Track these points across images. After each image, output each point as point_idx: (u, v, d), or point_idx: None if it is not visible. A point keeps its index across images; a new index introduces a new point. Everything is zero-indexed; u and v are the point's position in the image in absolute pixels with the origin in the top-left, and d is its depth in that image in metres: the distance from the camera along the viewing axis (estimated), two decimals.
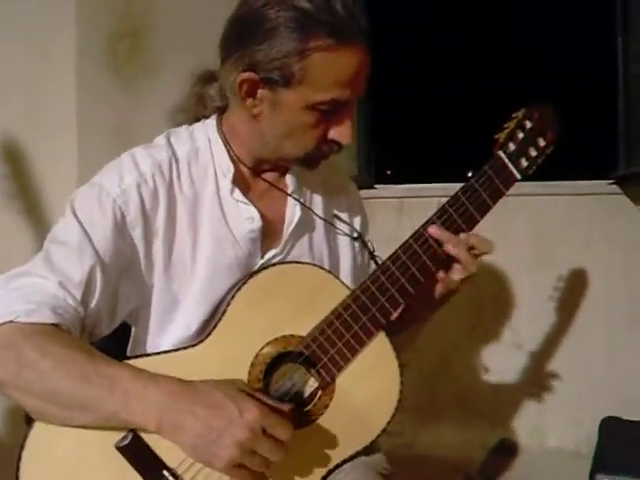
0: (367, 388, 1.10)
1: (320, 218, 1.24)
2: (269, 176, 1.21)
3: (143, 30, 2.28)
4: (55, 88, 2.11)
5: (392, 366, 1.12)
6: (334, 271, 1.19)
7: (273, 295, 1.08)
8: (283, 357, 1.07)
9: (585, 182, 2.75)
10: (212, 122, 1.19)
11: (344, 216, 1.30)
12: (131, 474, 0.96)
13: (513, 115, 1.24)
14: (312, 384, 1.10)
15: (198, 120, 1.22)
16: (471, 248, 1.14)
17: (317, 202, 1.26)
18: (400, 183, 3.04)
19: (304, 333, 1.08)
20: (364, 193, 2.66)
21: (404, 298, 1.12)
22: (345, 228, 1.29)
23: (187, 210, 1.12)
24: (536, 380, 2.61)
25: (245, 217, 1.15)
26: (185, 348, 1.05)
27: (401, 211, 2.76)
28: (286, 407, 1.00)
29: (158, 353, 1.06)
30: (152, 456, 0.97)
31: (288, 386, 1.09)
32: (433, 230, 1.13)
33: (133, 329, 1.17)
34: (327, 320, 1.08)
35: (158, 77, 2.25)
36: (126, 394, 0.93)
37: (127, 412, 0.93)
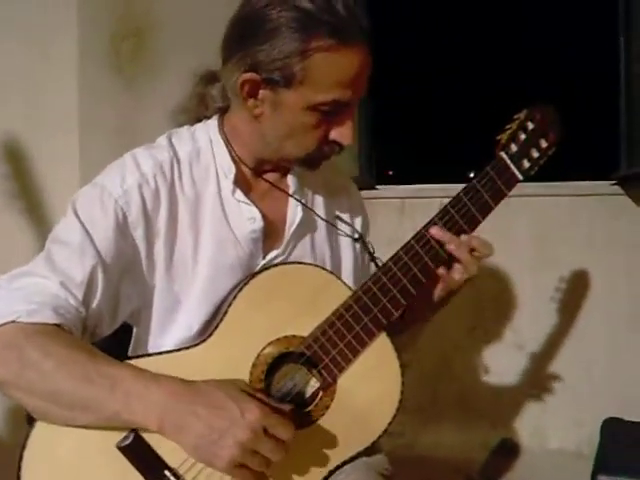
0: (368, 389, 1.10)
1: (321, 219, 1.24)
2: (270, 176, 1.21)
3: (145, 30, 2.28)
4: (56, 88, 2.11)
5: (393, 367, 1.12)
6: (336, 272, 1.19)
7: (275, 295, 1.08)
8: (285, 357, 1.07)
9: (587, 183, 2.75)
10: (214, 122, 1.19)
11: (345, 217, 1.30)
12: (132, 474, 0.96)
13: (515, 116, 1.24)
14: (313, 384, 1.10)
15: (200, 120, 1.22)
16: (472, 250, 1.14)
17: (318, 203, 1.26)
18: (402, 184, 3.04)
19: (306, 334, 1.08)
20: (365, 194, 2.66)
21: (406, 299, 1.12)
22: (346, 229, 1.29)
23: (188, 210, 1.12)
24: (537, 381, 2.61)
25: (247, 217, 1.15)
26: (187, 348, 1.05)
27: (402, 212, 2.76)
28: (286, 407, 1.00)
29: (160, 353, 1.06)
30: (153, 456, 0.97)
31: (289, 386, 1.09)
32: (435, 231, 1.13)
33: (134, 329, 1.17)
34: (329, 321, 1.08)
35: (160, 77, 2.26)
36: (128, 394, 0.93)
37: (129, 412, 0.93)
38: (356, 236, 1.29)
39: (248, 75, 1.06)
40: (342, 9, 1.03)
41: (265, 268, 1.11)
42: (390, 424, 1.11)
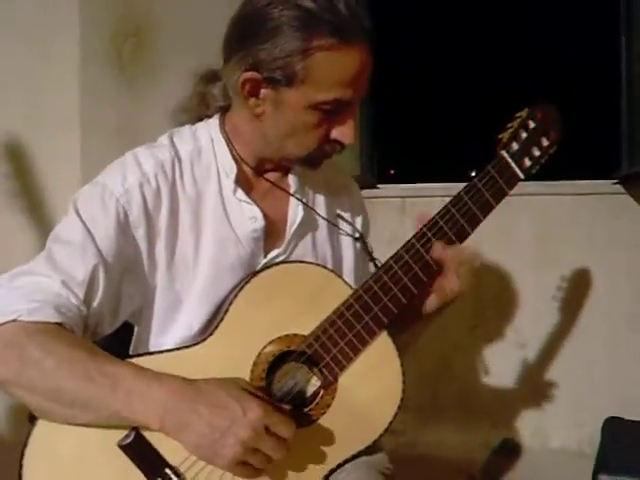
0: (369, 387, 1.10)
1: (323, 218, 1.24)
2: (272, 176, 1.21)
3: (146, 30, 2.28)
4: (57, 88, 2.11)
5: (395, 365, 1.12)
6: (337, 271, 1.19)
7: (276, 294, 1.08)
8: (285, 356, 1.07)
9: (588, 182, 2.74)
10: (215, 122, 1.19)
11: (346, 216, 1.30)
12: (134, 472, 0.96)
13: (516, 115, 1.24)
14: (314, 383, 1.10)
15: (201, 120, 1.22)
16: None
17: (320, 202, 1.26)
18: (403, 183, 3.04)
19: (307, 332, 1.08)
20: (367, 193, 2.66)
21: (407, 297, 1.12)
22: (347, 228, 1.29)
23: (190, 210, 1.12)
24: (538, 380, 2.60)
25: (248, 217, 1.15)
26: (187, 347, 1.05)
27: (403, 211, 2.76)
28: (285, 408, 1.00)
29: (161, 352, 1.06)
30: (154, 454, 0.97)
31: (290, 385, 1.09)
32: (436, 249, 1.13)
33: (135, 328, 1.17)
34: (329, 319, 1.08)
35: (161, 77, 2.26)
36: (129, 393, 0.93)
37: (130, 411, 0.93)
38: (357, 235, 1.29)
39: (249, 74, 1.06)
40: (344, 8, 1.03)
41: (266, 267, 1.11)
42: (391, 423, 1.11)
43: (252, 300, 1.07)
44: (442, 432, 2.65)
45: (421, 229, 1.14)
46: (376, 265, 1.20)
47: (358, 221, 1.33)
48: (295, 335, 1.07)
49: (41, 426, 0.96)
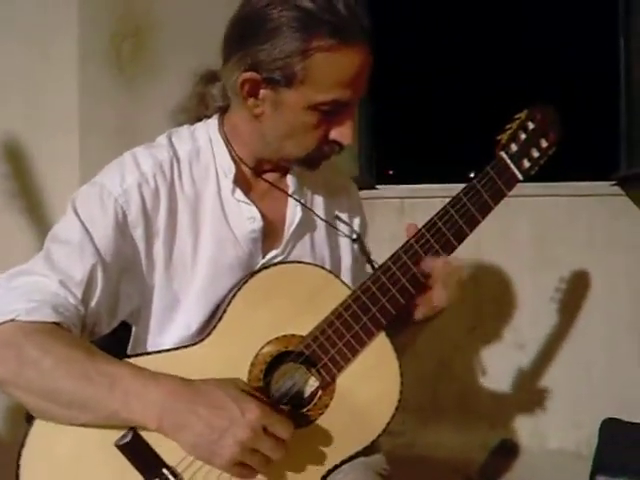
0: (367, 388, 1.10)
1: (321, 219, 1.24)
2: (270, 176, 1.21)
3: (146, 30, 2.28)
4: (56, 88, 2.11)
5: (393, 366, 1.12)
6: (335, 271, 1.19)
7: (274, 295, 1.08)
8: (283, 357, 1.07)
9: (587, 183, 2.75)
10: (214, 122, 1.19)
11: (344, 217, 1.30)
12: (131, 472, 0.96)
13: (515, 116, 1.24)
14: (312, 384, 1.10)
15: (200, 120, 1.22)
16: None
17: (318, 203, 1.26)
18: (402, 183, 3.04)
19: (305, 333, 1.08)
20: (365, 193, 2.67)
21: (405, 299, 1.12)
22: (345, 229, 1.29)
23: (188, 210, 1.12)
24: (537, 381, 2.61)
25: (246, 217, 1.15)
26: (185, 347, 1.05)
27: (402, 211, 2.76)
28: (284, 409, 1.00)
29: (158, 352, 1.06)
30: (152, 454, 0.97)
31: (288, 385, 1.09)
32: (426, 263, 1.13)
33: (133, 328, 1.17)
34: (328, 320, 1.08)
35: (160, 77, 2.26)
36: (126, 393, 0.93)
37: (127, 411, 0.93)
38: (354, 237, 1.29)
39: (248, 74, 1.06)
40: (343, 9, 1.03)
41: (264, 267, 1.11)
42: (389, 424, 1.11)
43: (250, 300, 1.07)
44: (441, 433, 2.65)
45: (420, 230, 1.14)
46: (373, 267, 1.20)
47: (356, 222, 1.33)
48: (293, 336, 1.07)
49: (38, 426, 0.95)
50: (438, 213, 1.16)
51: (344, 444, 1.08)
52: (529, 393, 2.61)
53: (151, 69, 2.28)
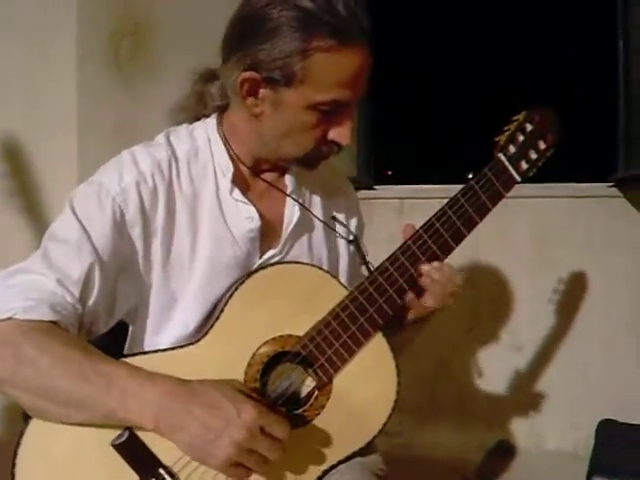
0: (364, 389, 1.10)
1: (318, 219, 1.24)
2: (268, 176, 1.21)
3: (145, 29, 2.28)
4: (55, 88, 2.11)
5: (389, 367, 1.12)
6: (333, 272, 1.19)
7: (271, 295, 1.08)
8: (280, 357, 1.07)
9: (585, 184, 2.75)
10: (212, 121, 1.19)
11: (342, 217, 1.30)
12: (127, 472, 0.96)
13: (514, 118, 1.24)
14: (309, 384, 1.10)
15: (198, 119, 1.22)
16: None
17: (316, 203, 1.26)
18: (400, 184, 3.04)
19: (302, 333, 1.08)
20: (364, 194, 2.67)
21: (402, 299, 1.12)
22: (342, 230, 1.29)
23: (186, 209, 1.12)
24: (534, 382, 2.61)
25: (244, 217, 1.15)
26: (182, 347, 1.05)
27: (401, 212, 2.76)
28: (280, 409, 1.00)
29: (155, 351, 1.06)
30: (148, 454, 0.97)
31: (285, 386, 1.09)
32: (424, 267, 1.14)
33: (130, 327, 1.17)
34: (324, 320, 1.08)
35: (159, 76, 2.26)
36: (124, 392, 0.93)
37: (124, 410, 0.93)
38: (351, 237, 1.29)
39: (248, 74, 1.06)
40: (343, 9, 1.03)
41: (262, 267, 1.11)
42: (385, 424, 1.11)
43: (247, 300, 1.07)
44: (438, 433, 2.65)
45: (417, 231, 1.14)
46: (369, 268, 1.21)
47: (353, 223, 1.33)
48: (290, 336, 1.07)
49: (35, 425, 0.95)
50: (436, 214, 1.16)
51: (341, 444, 1.08)
52: (527, 394, 2.61)
53: (150, 68, 2.27)
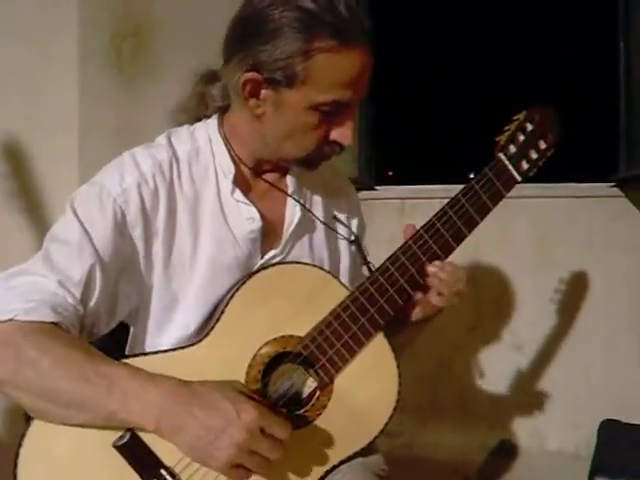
0: (365, 389, 1.10)
1: (319, 220, 1.24)
2: (270, 177, 1.21)
3: (146, 30, 2.28)
4: (56, 88, 2.11)
5: (391, 367, 1.12)
6: (334, 272, 1.19)
7: (272, 295, 1.08)
8: (281, 357, 1.07)
9: (586, 184, 2.74)
10: (213, 122, 1.19)
11: (343, 218, 1.30)
12: (129, 473, 0.96)
13: (514, 117, 1.24)
14: (310, 384, 1.10)
15: (199, 120, 1.22)
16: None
17: (317, 203, 1.26)
18: (401, 184, 3.04)
19: (303, 333, 1.08)
20: (365, 194, 2.67)
21: (403, 299, 1.13)
22: (343, 230, 1.29)
23: (187, 210, 1.12)
24: (536, 382, 2.61)
25: (245, 217, 1.15)
26: (183, 348, 1.05)
27: (402, 212, 2.76)
28: (281, 410, 1.00)
29: (156, 352, 1.06)
30: (150, 455, 0.97)
31: (286, 386, 1.09)
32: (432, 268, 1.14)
33: (132, 328, 1.17)
34: (326, 321, 1.08)
35: (160, 77, 2.25)
36: (125, 394, 0.93)
37: (126, 412, 0.93)
38: (352, 238, 1.29)
39: (250, 75, 1.06)
40: (344, 10, 1.03)
41: (263, 268, 1.11)
42: (387, 424, 1.11)
43: (248, 301, 1.07)
44: (440, 433, 2.65)
45: (418, 231, 1.15)
46: (370, 268, 1.21)
47: (354, 223, 1.33)
48: (291, 336, 1.07)
49: (36, 426, 0.95)
50: (437, 214, 1.16)
51: (342, 445, 1.08)
52: (528, 394, 2.61)
53: (151, 69, 2.27)
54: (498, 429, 2.63)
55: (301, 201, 1.21)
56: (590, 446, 1.91)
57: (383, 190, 3.00)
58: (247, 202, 1.15)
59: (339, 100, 1.06)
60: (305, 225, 1.22)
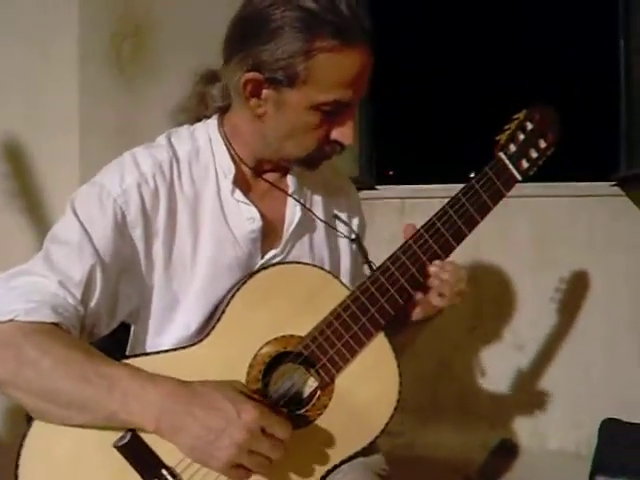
0: (366, 389, 1.10)
1: (320, 220, 1.24)
2: (270, 176, 1.21)
3: (146, 30, 2.28)
4: (56, 88, 2.11)
5: (391, 367, 1.12)
6: (334, 272, 1.19)
7: (273, 295, 1.08)
8: (282, 357, 1.07)
9: (586, 184, 2.74)
10: (213, 122, 1.19)
11: (343, 217, 1.30)
12: (130, 473, 0.96)
13: (514, 116, 1.24)
14: (311, 384, 1.10)
15: (199, 120, 1.22)
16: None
17: (317, 203, 1.26)
18: (402, 184, 3.04)
19: (303, 333, 1.08)
20: (365, 194, 2.67)
21: (403, 299, 1.13)
22: (344, 229, 1.29)
23: (188, 210, 1.12)
24: (537, 381, 2.61)
25: (246, 217, 1.15)
26: (184, 348, 1.05)
27: (402, 212, 2.76)
28: (281, 410, 1.00)
29: (157, 352, 1.06)
30: (151, 455, 0.97)
31: (287, 386, 1.09)
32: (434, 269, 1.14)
33: (132, 328, 1.17)
34: (326, 321, 1.08)
35: (160, 77, 2.26)
36: (126, 394, 0.93)
37: (126, 412, 0.93)
38: (353, 237, 1.29)
39: (251, 74, 1.06)
40: (346, 9, 1.03)
41: (263, 268, 1.11)
42: (387, 424, 1.11)
43: (249, 301, 1.07)
44: (440, 433, 2.65)
45: (418, 230, 1.15)
46: (371, 267, 1.21)
47: (355, 222, 1.33)
48: (292, 336, 1.07)
49: (37, 427, 0.95)
50: (437, 214, 1.16)
51: (343, 444, 1.08)
52: (529, 393, 2.61)
53: (151, 69, 2.27)
54: (499, 428, 2.63)
55: (301, 201, 1.21)
56: (591, 445, 1.91)
57: (383, 190, 3.00)
58: (247, 202, 1.15)
59: (340, 100, 1.06)
60: (305, 225, 1.22)
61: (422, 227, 1.15)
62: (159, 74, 2.26)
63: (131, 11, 2.27)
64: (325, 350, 1.08)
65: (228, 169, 1.15)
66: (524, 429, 2.62)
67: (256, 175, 1.19)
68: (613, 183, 2.59)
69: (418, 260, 1.14)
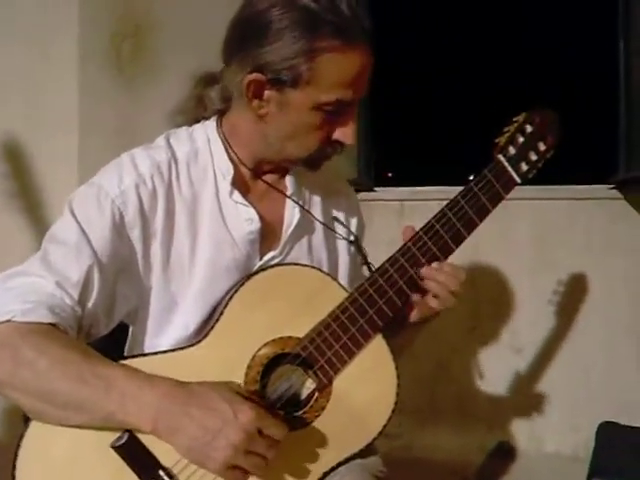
0: (364, 390, 1.10)
1: (319, 221, 1.24)
2: (269, 178, 1.21)
3: (145, 30, 2.28)
4: (56, 88, 2.11)
5: (389, 369, 1.12)
6: (333, 274, 1.19)
7: (271, 297, 1.08)
8: (280, 359, 1.07)
9: (585, 186, 2.74)
10: (212, 123, 1.19)
11: (342, 218, 1.30)
12: (127, 474, 0.96)
13: (514, 119, 1.24)
14: (309, 386, 1.10)
15: (198, 122, 1.22)
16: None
17: (316, 204, 1.26)
18: (400, 186, 3.04)
19: (302, 335, 1.08)
20: (364, 196, 2.67)
21: (402, 301, 1.12)
22: (343, 231, 1.29)
23: (186, 211, 1.12)
24: (535, 384, 2.61)
25: (244, 219, 1.15)
26: (182, 349, 1.05)
27: (401, 214, 2.76)
28: (277, 412, 1.00)
29: (155, 353, 1.06)
30: (148, 456, 0.97)
31: (285, 387, 1.09)
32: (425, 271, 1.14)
33: (131, 329, 1.17)
34: (324, 322, 1.08)
35: (160, 77, 2.25)
36: (122, 395, 0.93)
37: (123, 413, 0.93)
38: (352, 238, 1.29)
39: (253, 76, 1.06)
40: (346, 9, 1.03)
41: (261, 269, 1.11)
42: (385, 426, 1.11)
43: (247, 302, 1.07)
44: (438, 435, 2.65)
45: (417, 233, 1.15)
46: (370, 269, 1.21)
47: (353, 224, 1.33)
48: (290, 338, 1.07)
49: (34, 427, 0.95)
50: (436, 216, 1.16)
51: (341, 446, 1.08)
52: (527, 396, 2.61)
53: (151, 69, 2.27)
54: (496, 431, 2.63)
55: (300, 202, 1.21)
56: (588, 448, 1.91)
57: (382, 192, 3.00)
58: (246, 203, 1.15)
59: (341, 99, 1.06)
60: (304, 226, 1.22)
61: (421, 229, 1.15)
62: (159, 74, 2.26)
63: (131, 11, 2.27)
64: (323, 352, 1.08)
65: (227, 170, 1.15)
66: (522, 432, 2.62)
67: (255, 176, 1.19)
68: (612, 186, 2.59)
69: (417, 262, 1.13)
